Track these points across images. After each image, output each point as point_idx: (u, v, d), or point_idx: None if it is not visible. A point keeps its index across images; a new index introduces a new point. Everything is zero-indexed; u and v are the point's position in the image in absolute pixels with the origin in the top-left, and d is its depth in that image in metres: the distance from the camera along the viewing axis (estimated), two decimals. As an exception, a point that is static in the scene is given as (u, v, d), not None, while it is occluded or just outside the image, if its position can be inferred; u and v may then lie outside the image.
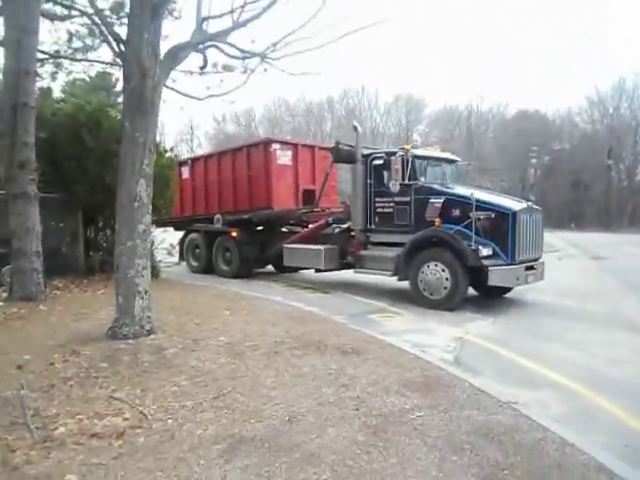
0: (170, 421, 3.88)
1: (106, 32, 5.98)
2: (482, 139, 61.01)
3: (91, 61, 11.10)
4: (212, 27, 6.62)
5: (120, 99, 38.38)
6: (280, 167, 12.16)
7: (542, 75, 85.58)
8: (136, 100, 5.60)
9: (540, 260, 9.76)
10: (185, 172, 14.54)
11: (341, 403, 4.22)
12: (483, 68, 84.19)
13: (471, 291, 9.50)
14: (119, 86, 43.34)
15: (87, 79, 32.80)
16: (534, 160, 63.44)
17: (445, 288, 8.90)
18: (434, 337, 7.03)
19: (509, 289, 9.98)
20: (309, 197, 11.93)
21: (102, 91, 31.52)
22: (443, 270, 8.91)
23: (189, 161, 15.09)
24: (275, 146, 12.17)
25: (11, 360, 5.22)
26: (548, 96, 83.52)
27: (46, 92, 15.93)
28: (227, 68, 10.10)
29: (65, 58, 10.88)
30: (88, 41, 11.10)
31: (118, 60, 10.42)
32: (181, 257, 14.55)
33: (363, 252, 10.48)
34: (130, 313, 5.78)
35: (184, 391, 4.48)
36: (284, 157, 12.15)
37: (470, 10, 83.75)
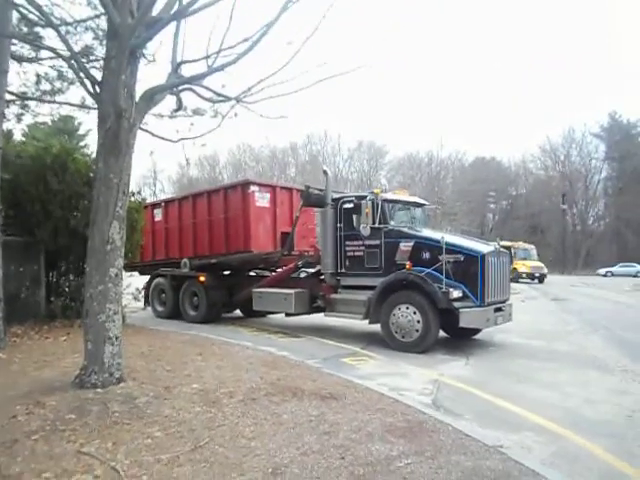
0: (145, 477, 3.62)
1: (82, 74, 5.92)
2: (442, 184, 62.76)
3: (59, 103, 10.93)
4: (187, 70, 6.69)
5: (82, 142, 38.00)
6: (258, 209, 11.87)
7: (497, 123, 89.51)
8: (111, 141, 5.51)
9: (508, 302, 9.93)
10: (158, 214, 14.19)
11: (325, 452, 4.07)
12: (442, 116, 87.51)
13: (441, 333, 9.52)
14: (82, 129, 43.14)
15: (49, 122, 32.49)
16: (492, 205, 65.63)
17: (417, 330, 8.90)
18: (409, 380, 6.98)
19: (478, 331, 10.08)
20: (285, 240, 11.71)
21: (64, 134, 31.14)
22: (414, 313, 8.93)
23: (162, 203, 14.74)
24: (254, 188, 11.93)
25: (-31, 413, 4.87)
26: (503, 143, 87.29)
27: (7, 134, 15.61)
28: (197, 112, 10.12)
29: (33, 100, 10.69)
30: (57, 84, 10.98)
31: (87, 103, 10.40)
32: (146, 302, 14.16)
33: (334, 296, 10.43)
34: (99, 360, 5.52)
35: (158, 443, 4.24)
36: (262, 199, 11.93)
37: (430, 61, 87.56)
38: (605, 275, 48.36)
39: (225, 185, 14.19)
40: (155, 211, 14.33)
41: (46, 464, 3.80)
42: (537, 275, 33.90)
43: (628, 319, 13.68)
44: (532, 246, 38.53)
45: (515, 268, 31.66)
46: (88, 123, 46.73)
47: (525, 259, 35.54)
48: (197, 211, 13.17)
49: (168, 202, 14.66)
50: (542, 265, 35.19)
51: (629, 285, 30.53)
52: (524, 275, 33.36)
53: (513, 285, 10.77)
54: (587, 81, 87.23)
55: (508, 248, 32.57)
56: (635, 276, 46.65)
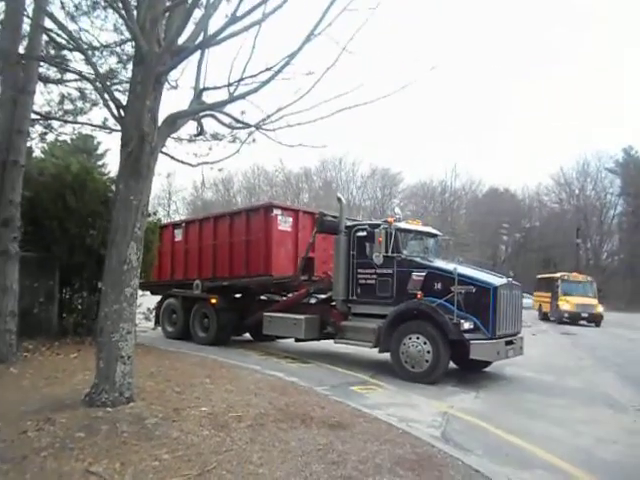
0: (152, 500, 3.65)
1: (107, 97, 6.10)
2: (455, 215, 62.67)
3: (81, 123, 11.23)
4: (209, 97, 6.85)
5: (100, 162, 38.68)
6: (281, 233, 11.74)
7: (511, 154, 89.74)
8: (132, 164, 5.64)
9: (519, 335, 9.86)
10: (178, 234, 14.15)
11: (333, 482, 4.05)
12: (456, 145, 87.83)
13: (451, 364, 9.45)
14: (101, 149, 43.99)
15: (68, 141, 33.18)
16: (505, 237, 65.28)
17: (427, 361, 8.85)
18: (419, 411, 6.92)
19: (489, 363, 9.99)
20: (307, 265, 11.53)
21: (83, 153, 31.77)
22: (425, 343, 8.89)
23: (183, 224, 14.70)
24: (277, 211, 11.81)
25: (-21, 428, 4.91)
26: (517, 175, 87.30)
27: (27, 151, 16.00)
28: (216, 137, 10.33)
29: (56, 120, 11.01)
30: (79, 104, 11.29)
31: (108, 124, 10.66)
32: (157, 322, 14.22)
33: (344, 323, 10.42)
34: (111, 379, 5.55)
35: (166, 466, 4.23)
36: (285, 223, 11.85)
37: (445, 88, 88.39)
38: None
39: (247, 207, 14.13)
40: (176, 231, 14.31)
41: (54, 482, 3.81)
42: (585, 315, 26.04)
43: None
44: (590, 278, 30.10)
45: (557, 305, 27.06)
46: (107, 143, 47.58)
47: (575, 294, 27.17)
48: (218, 232, 13.05)
49: (189, 222, 14.61)
50: (593, 302, 26.89)
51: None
52: (566, 315, 26.12)
53: (524, 318, 10.66)
54: (601, 113, 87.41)
55: (552, 279, 29.12)
56: None
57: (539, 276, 33.67)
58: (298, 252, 11.82)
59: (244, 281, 12.38)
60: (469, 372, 9.85)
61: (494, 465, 4.82)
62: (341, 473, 4.24)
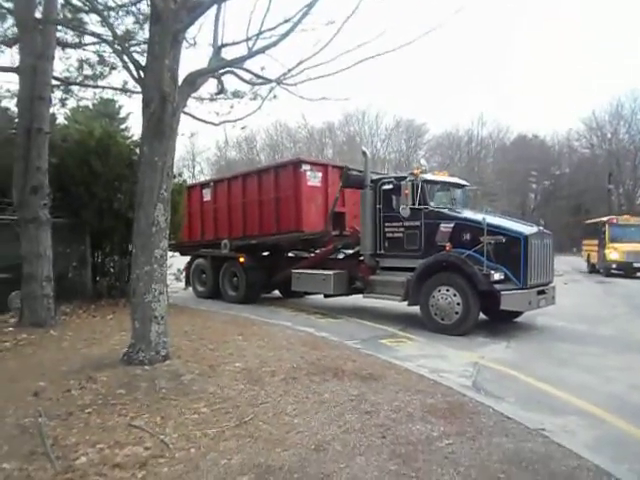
0: (193, 450, 3.78)
1: (126, 59, 6.04)
2: (482, 164, 61.44)
3: (101, 87, 11.22)
4: (228, 53, 6.73)
5: (123, 125, 38.75)
6: (310, 189, 11.54)
7: (540, 99, 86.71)
8: (155, 125, 5.62)
9: (551, 284, 9.75)
10: (207, 194, 14.13)
11: (367, 430, 4.14)
12: (483, 92, 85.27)
13: (482, 316, 9.43)
14: (123, 112, 43.99)
15: (90, 106, 33.24)
16: (534, 185, 63.92)
17: (457, 313, 8.85)
18: (449, 362, 6.97)
19: (520, 313, 9.93)
20: (339, 220, 11.52)
21: (105, 118, 31.83)
22: (454, 295, 8.87)
23: (211, 183, 14.65)
24: (305, 167, 11.58)
25: (26, 387, 5.12)
26: (546, 120, 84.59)
27: (51, 118, 16.12)
28: (237, 94, 10.20)
29: (76, 84, 10.99)
30: (98, 68, 11.23)
31: (128, 87, 10.61)
32: (187, 282, 14.49)
33: (372, 277, 10.45)
34: (146, 338, 5.71)
35: (205, 419, 4.39)
36: (314, 179, 11.62)
37: (468, 36, 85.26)
38: None
39: (276, 164, 13.75)
40: (204, 191, 14.27)
41: (99, 436, 3.99)
42: (638, 266, 21.91)
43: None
44: None
45: (604, 255, 22.84)
46: (128, 106, 47.55)
47: (626, 240, 22.69)
48: (247, 191, 12.98)
49: (217, 182, 14.49)
50: None
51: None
52: (614, 266, 22.24)
53: (556, 267, 10.50)
54: (636, 48, 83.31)
55: (599, 224, 24.71)
56: None
57: (587, 221, 29.80)
58: (328, 207, 11.63)
59: (273, 238, 12.33)
60: (500, 323, 9.83)
61: (526, 412, 4.84)
62: (374, 422, 4.33)
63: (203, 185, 14.90)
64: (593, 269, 25.26)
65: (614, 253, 22.47)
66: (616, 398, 5.48)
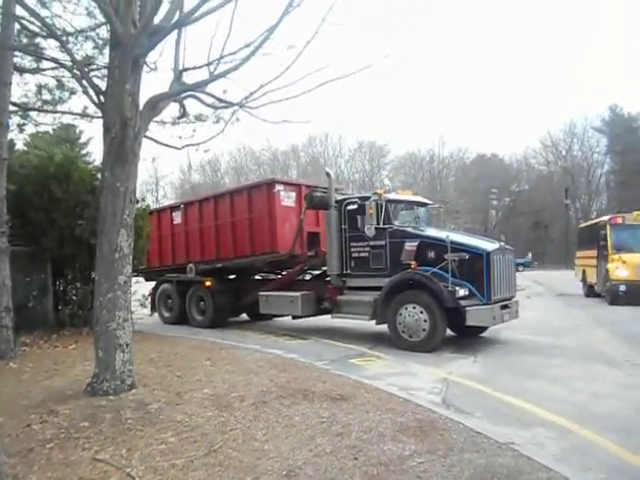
0: (161, 482, 3.68)
1: (86, 83, 5.98)
2: (444, 183, 62.77)
3: (61, 112, 11.02)
4: (189, 77, 6.74)
5: (84, 151, 38.09)
6: (284, 209, 11.39)
7: (498, 119, 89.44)
8: (116, 150, 5.56)
9: (514, 299, 9.95)
10: (177, 217, 13.76)
11: (338, 453, 4.10)
12: (442, 114, 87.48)
13: (448, 332, 9.54)
14: (84, 137, 43.35)
15: (50, 131, 32.61)
16: (495, 202, 65.52)
17: (424, 330, 8.93)
18: (418, 379, 7.01)
19: (485, 328, 10.08)
20: (313, 240, 11.39)
21: (66, 143, 31.25)
22: (421, 312, 8.95)
23: (181, 205, 14.24)
24: (279, 187, 11.47)
25: (-17, 423, 4.92)
26: (504, 139, 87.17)
27: (9, 144, 15.71)
28: (199, 118, 10.18)
29: (35, 110, 10.78)
30: (57, 93, 11.06)
31: (88, 111, 10.47)
32: (153, 308, 14.21)
33: (340, 297, 10.46)
34: (111, 367, 5.57)
35: (172, 448, 4.27)
36: (288, 199, 11.52)
37: (429, 56, 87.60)
38: None
39: (249, 185, 13.59)
40: (174, 214, 13.95)
41: (62, 472, 3.84)
42: None
43: (634, 313, 13.66)
44: None
45: (607, 272, 15.80)
46: (89, 131, 46.92)
47: (638, 250, 15.60)
48: (219, 213, 12.67)
49: (188, 204, 14.13)
50: None
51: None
52: (622, 289, 15.13)
53: (518, 281, 10.75)
54: (587, 74, 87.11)
55: (597, 228, 17.78)
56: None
57: (582, 225, 22.75)
58: (303, 227, 11.49)
59: (247, 260, 12.06)
60: (466, 338, 9.96)
61: (495, 426, 4.90)
62: (346, 444, 4.30)
63: (173, 208, 14.54)
64: (591, 292, 18.14)
65: (621, 269, 15.31)
66: (581, 408, 5.61)
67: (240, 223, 12.07)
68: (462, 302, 8.72)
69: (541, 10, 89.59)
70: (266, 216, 11.45)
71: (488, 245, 9.39)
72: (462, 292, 8.77)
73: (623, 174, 59.36)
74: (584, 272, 19.32)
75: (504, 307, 9.32)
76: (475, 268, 8.96)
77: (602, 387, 6.43)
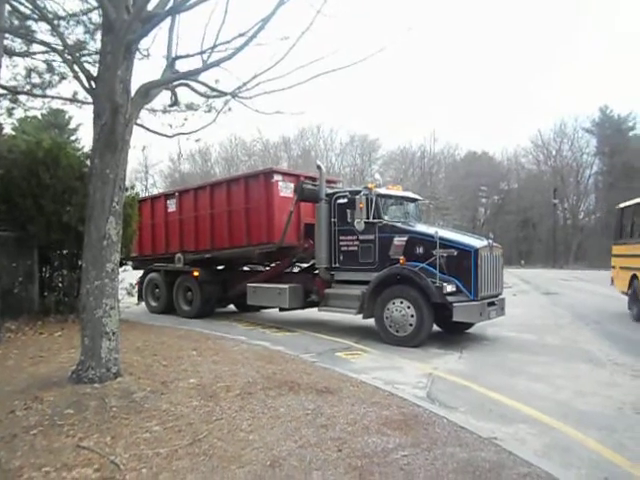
0: (144, 470, 3.66)
1: (77, 68, 5.91)
2: (435, 179, 62.90)
3: (50, 97, 10.85)
4: (182, 65, 6.68)
5: (73, 136, 37.76)
6: (282, 199, 11.16)
7: (489, 117, 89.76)
8: (107, 136, 5.51)
9: (501, 296, 10.03)
10: (171, 205, 13.58)
11: (322, 444, 4.13)
12: (434, 110, 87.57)
13: (435, 327, 9.61)
14: (73, 123, 42.89)
15: (39, 116, 32.26)
16: (484, 199, 65.87)
17: (411, 325, 8.98)
18: (404, 374, 7.05)
19: (472, 324, 10.17)
20: (311, 232, 11.04)
21: (55, 128, 30.95)
22: (408, 307, 9.00)
23: (176, 193, 13.99)
24: (277, 177, 11.28)
25: (-34, 409, 4.88)
26: (495, 138, 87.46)
27: (-3, 129, 15.50)
28: (191, 107, 10.10)
29: (24, 94, 10.60)
30: (47, 77, 10.89)
31: (78, 97, 10.34)
32: (140, 297, 14.13)
33: (328, 290, 10.48)
34: (97, 355, 5.53)
35: (157, 437, 4.27)
36: (286, 189, 11.28)
37: (422, 53, 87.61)
38: None
39: (246, 174, 13.17)
40: (168, 201, 13.76)
41: (45, 458, 3.83)
42: None
43: (618, 313, 13.84)
44: None
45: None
46: (79, 117, 46.45)
47: None
48: (215, 201, 12.49)
49: (183, 192, 13.93)
50: None
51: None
52: None
53: (505, 279, 10.84)
54: (578, 74, 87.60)
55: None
56: None
57: (624, 204, 13.70)
58: (300, 219, 11.43)
59: (243, 250, 11.90)
60: (453, 334, 10.04)
61: (478, 421, 4.96)
62: (330, 435, 4.33)
63: (167, 195, 14.33)
64: None
65: None
66: (563, 405, 5.68)
67: (236, 213, 11.93)
68: (449, 298, 8.77)
69: (534, 9, 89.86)
70: (264, 206, 11.31)
71: (476, 242, 9.44)
72: (449, 288, 8.82)
73: (611, 175, 59.87)
74: (632, 280, 12.35)
75: (491, 304, 9.38)
76: (463, 264, 9.01)
77: (585, 385, 6.52)
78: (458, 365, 7.72)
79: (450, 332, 10.12)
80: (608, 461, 4.15)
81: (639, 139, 60.06)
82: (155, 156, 70.37)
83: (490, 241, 9.71)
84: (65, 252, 11.04)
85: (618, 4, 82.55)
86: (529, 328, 11.09)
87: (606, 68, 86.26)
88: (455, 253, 9.07)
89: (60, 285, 11.34)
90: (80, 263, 7.68)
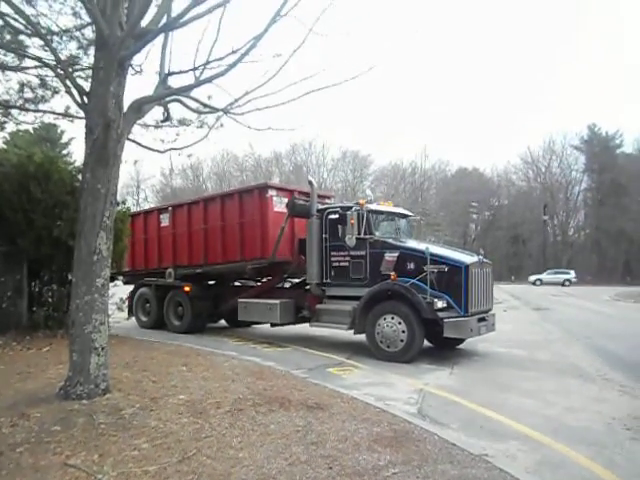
0: (132, 488, 3.64)
1: (69, 84, 5.93)
2: (426, 195, 63.27)
3: (43, 112, 10.84)
4: (175, 81, 6.72)
5: (65, 151, 37.64)
6: (276, 214, 11.11)
7: (480, 134, 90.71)
8: (98, 151, 5.52)
9: (491, 312, 10.05)
10: (164, 219, 13.51)
11: (313, 462, 4.10)
12: (426, 126, 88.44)
13: (426, 343, 9.60)
14: (65, 137, 42.82)
15: (31, 130, 32.20)
16: (475, 216, 66.26)
17: (402, 340, 8.97)
18: (395, 390, 7.03)
19: (462, 340, 10.17)
20: (305, 247, 10.86)
21: (47, 142, 30.89)
22: (400, 323, 9.00)
23: (170, 208, 13.88)
24: (272, 192, 11.26)
25: (-49, 426, 4.80)
26: (485, 154, 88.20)
27: (-12, 142, 15.46)
28: (183, 122, 10.12)
29: (16, 108, 10.60)
30: (40, 92, 10.90)
31: (71, 111, 10.34)
32: (130, 312, 14.03)
33: (319, 306, 10.46)
34: (85, 371, 5.48)
35: (145, 455, 4.22)
36: (281, 204, 11.21)
37: (414, 70, 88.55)
38: (534, 283, 47.48)
39: (240, 189, 13.22)
40: (161, 216, 13.70)
41: (32, 477, 3.77)
42: None
43: (608, 329, 13.91)
44: None
45: None
46: (71, 131, 46.42)
47: None
48: (209, 216, 12.42)
49: (176, 206, 13.82)
50: None
51: (608, 295, 30.99)
52: None
53: (495, 295, 10.89)
54: (567, 92, 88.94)
55: None
56: (563, 284, 45.08)
57: None
58: (294, 234, 11.42)
59: (238, 265, 11.74)
60: (443, 350, 10.03)
61: (469, 438, 4.95)
62: (321, 453, 4.30)
63: (160, 210, 14.24)
64: None
65: None
66: (554, 421, 5.69)
67: (230, 228, 11.91)
68: (440, 314, 8.78)
69: (524, 25, 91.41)
70: (258, 221, 11.29)
71: (467, 258, 9.48)
72: (440, 304, 8.84)
73: (600, 192, 60.60)
74: None
75: (481, 320, 9.41)
76: (453, 280, 9.04)
77: (575, 401, 6.54)
78: (449, 381, 7.71)
79: (441, 348, 10.11)
80: (599, 478, 4.15)
81: (626, 156, 60.95)
82: (147, 171, 70.39)
83: (480, 257, 9.76)
84: (55, 267, 10.95)
85: (605, 27, 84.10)
86: (519, 344, 11.11)
87: (594, 87, 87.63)
88: (446, 269, 9.10)
89: (50, 300, 11.22)
90: (70, 278, 7.62)
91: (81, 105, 5.88)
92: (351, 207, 10.08)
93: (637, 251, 56.31)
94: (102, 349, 5.63)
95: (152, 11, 5.96)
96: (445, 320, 8.74)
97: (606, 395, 6.87)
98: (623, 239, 56.58)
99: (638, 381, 7.64)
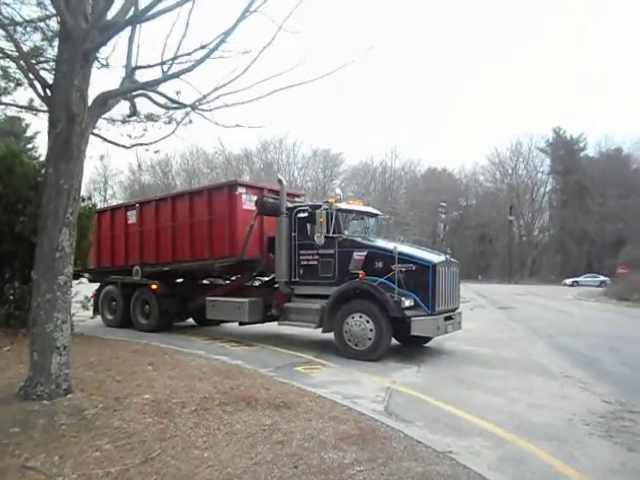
0: (93, 490, 3.56)
1: (32, 76, 5.76)
2: (395, 195, 63.86)
3: (5, 104, 10.51)
4: (142, 76, 6.60)
5: (30, 145, 36.64)
6: (246, 212, 10.98)
7: (448, 134, 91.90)
8: (62, 146, 5.37)
9: (457, 310, 10.20)
10: (132, 217, 13.26)
11: (279, 461, 4.08)
12: (396, 127, 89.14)
13: (393, 341, 9.68)
14: (30, 131, 41.65)
15: (-7, 123, 31.21)
16: (443, 215, 67.14)
17: (370, 339, 9.02)
18: (362, 388, 7.07)
19: (429, 338, 10.29)
20: (274, 245, 10.77)
21: (11, 136, 30.02)
22: (367, 321, 9.05)
23: (137, 205, 13.66)
24: (241, 190, 11.17)
25: None
26: (454, 155, 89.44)
27: (-52, 134, 14.95)
28: (151, 118, 9.94)
29: (-24, 100, 10.27)
30: (2, 83, 10.56)
31: (35, 104, 10.05)
32: (96, 310, 13.74)
33: (287, 304, 10.45)
34: (46, 371, 5.33)
35: (108, 456, 4.13)
36: (250, 202, 11.09)
37: (386, 70, 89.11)
38: (572, 285, 46.98)
39: (209, 186, 13.04)
40: (129, 213, 13.44)
41: (-12, 480, 3.66)
42: None
43: (570, 327, 14.27)
44: None
45: None
46: (36, 125, 45.16)
47: None
48: (177, 213, 12.25)
49: (144, 203, 13.60)
50: None
51: (572, 294, 31.81)
52: None
53: (462, 293, 11.05)
54: (533, 94, 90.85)
55: None
56: (599, 286, 44.16)
57: None
58: (264, 232, 11.33)
59: (207, 263, 11.61)
60: (411, 348, 10.14)
61: (434, 435, 5.01)
62: (287, 452, 4.28)
63: (127, 207, 14.00)
64: None
65: None
66: (517, 417, 5.82)
67: (199, 225, 11.77)
68: (407, 312, 8.87)
69: (491, 26, 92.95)
70: (227, 219, 11.19)
71: (434, 257, 9.59)
72: (408, 302, 8.93)
73: (565, 194, 62.13)
74: None
75: (448, 318, 9.54)
76: (421, 279, 9.14)
77: (538, 398, 6.69)
78: (416, 379, 7.79)
79: (408, 346, 10.22)
80: (558, 473, 4.26)
81: (590, 159, 62.67)
82: (115, 167, 69.26)
83: (448, 256, 9.89)
84: (17, 264, 10.62)
85: (572, 32, 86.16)
86: (485, 342, 11.31)
87: (560, 91, 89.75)
88: (413, 268, 9.19)
89: (11, 298, 10.88)
90: (32, 275, 7.41)
91: (44, 98, 5.72)
92: (320, 206, 10.09)
93: (599, 251, 57.99)
94: (64, 348, 5.49)
95: (119, 3, 5.82)
96: (412, 319, 8.83)
97: (567, 392, 7.06)
98: (586, 240, 58.20)
99: (598, 378, 7.88)
